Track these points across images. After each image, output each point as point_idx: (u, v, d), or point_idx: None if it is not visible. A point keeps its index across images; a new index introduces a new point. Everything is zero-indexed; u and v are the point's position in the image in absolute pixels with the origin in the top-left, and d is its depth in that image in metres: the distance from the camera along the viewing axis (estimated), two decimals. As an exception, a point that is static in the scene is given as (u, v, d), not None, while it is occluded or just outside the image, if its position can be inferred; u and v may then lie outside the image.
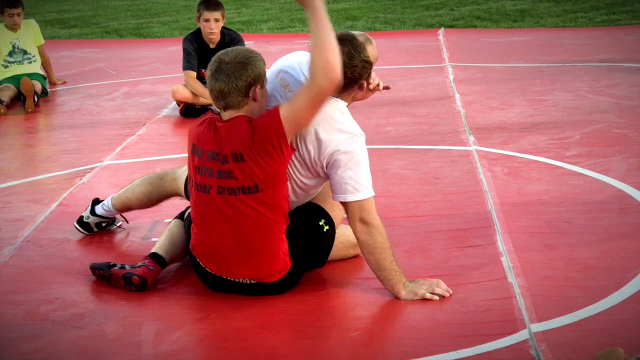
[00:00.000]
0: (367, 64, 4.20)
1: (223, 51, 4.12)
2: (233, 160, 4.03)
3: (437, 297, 4.10)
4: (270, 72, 4.30)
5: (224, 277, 4.19)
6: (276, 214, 4.10)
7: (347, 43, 4.14)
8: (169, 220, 4.80)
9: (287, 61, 4.36)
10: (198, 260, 4.23)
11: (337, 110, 4.14)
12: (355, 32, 4.27)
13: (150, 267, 4.33)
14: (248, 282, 4.17)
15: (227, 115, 4.09)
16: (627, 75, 8.87)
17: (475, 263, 4.47)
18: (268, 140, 3.98)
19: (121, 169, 6.36)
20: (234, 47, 4.20)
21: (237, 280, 4.18)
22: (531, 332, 3.73)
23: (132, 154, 6.74)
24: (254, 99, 4.05)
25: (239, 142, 4.03)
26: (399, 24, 13.24)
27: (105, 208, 5.01)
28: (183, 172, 4.72)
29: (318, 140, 4.07)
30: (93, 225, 5.06)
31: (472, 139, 6.73)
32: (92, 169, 6.34)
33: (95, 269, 4.42)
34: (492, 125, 7.15)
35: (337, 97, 4.17)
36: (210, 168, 4.09)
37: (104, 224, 5.09)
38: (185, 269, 4.54)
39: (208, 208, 4.12)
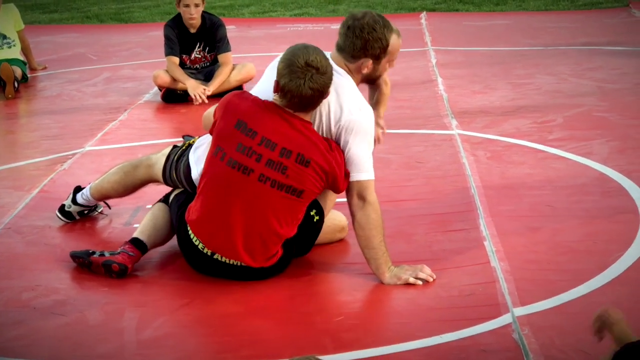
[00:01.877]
0: (384, 46, 4.24)
1: (308, 54, 4.02)
2: (296, 160, 4.02)
3: (420, 282, 4.10)
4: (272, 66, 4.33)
5: (216, 256, 4.16)
6: (295, 218, 4.15)
7: (382, 19, 4.28)
8: (150, 206, 4.78)
9: None
10: (193, 236, 4.19)
11: (352, 85, 4.23)
12: (393, 26, 4.34)
13: (130, 253, 4.31)
14: (238, 264, 4.16)
15: (298, 113, 4.08)
16: (608, 59, 8.88)
17: (459, 247, 4.48)
18: (331, 176, 4.09)
19: (103, 155, 6.33)
20: (310, 48, 4.07)
21: (228, 261, 4.15)
22: (514, 316, 3.73)
23: (113, 140, 6.71)
24: (326, 97, 4.11)
25: (313, 149, 4.04)
26: (381, 8, 13.20)
27: (85, 197, 4.99)
28: (159, 157, 4.68)
29: (336, 106, 4.14)
30: (75, 214, 5.03)
31: (454, 122, 6.73)
32: (73, 155, 6.30)
33: (75, 257, 4.40)
34: (474, 109, 7.15)
35: (348, 73, 4.25)
36: (260, 153, 4.04)
37: (85, 212, 5.06)
38: (168, 255, 4.52)
39: (236, 187, 4.07)
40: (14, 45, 8.99)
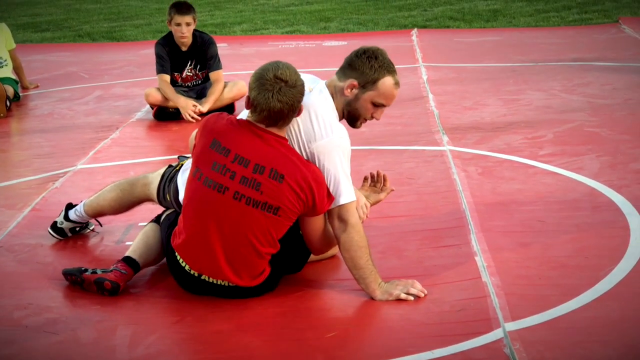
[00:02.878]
0: (375, 75, 4.16)
1: (278, 68, 4.03)
2: (270, 175, 4.00)
3: (412, 298, 4.10)
4: None
5: (203, 277, 4.17)
6: (277, 237, 4.12)
7: (389, 61, 4.22)
8: (144, 223, 4.78)
9: None
10: (180, 258, 4.19)
11: (328, 106, 4.17)
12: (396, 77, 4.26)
13: (122, 271, 4.31)
14: (226, 284, 4.16)
15: (270, 129, 4.06)
16: (599, 74, 8.92)
17: (450, 263, 4.48)
18: (310, 196, 4.05)
19: (95, 173, 6.33)
20: (280, 63, 4.07)
21: (216, 282, 4.16)
22: (505, 331, 3.74)
23: (105, 158, 6.71)
24: (298, 114, 4.08)
25: (287, 163, 4.01)
26: (372, 25, 13.26)
27: (78, 214, 4.99)
28: (155, 177, 4.69)
29: (309, 127, 4.10)
30: (67, 231, 5.04)
31: (445, 139, 6.75)
32: (65, 173, 6.30)
33: (68, 274, 4.40)
34: (465, 125, 7.17)
35: (333, 92, 4.21)
36: (233, 171, 4.03)
37: (77, 229, 5.07)
38: (159, 273, 4.52)
39: (213, 206, 4.06)
40: (6, 65, 9.01)
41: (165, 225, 4.41)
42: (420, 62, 10.00)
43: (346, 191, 4.12)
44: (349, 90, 4.18)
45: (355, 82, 4.17)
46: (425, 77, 9.09)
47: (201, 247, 4.11)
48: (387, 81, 4.18)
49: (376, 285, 4.13)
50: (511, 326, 3.78)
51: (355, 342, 3.87)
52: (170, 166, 4.69)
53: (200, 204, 4.10)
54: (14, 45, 9.23)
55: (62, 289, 4.39)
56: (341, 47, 11.45)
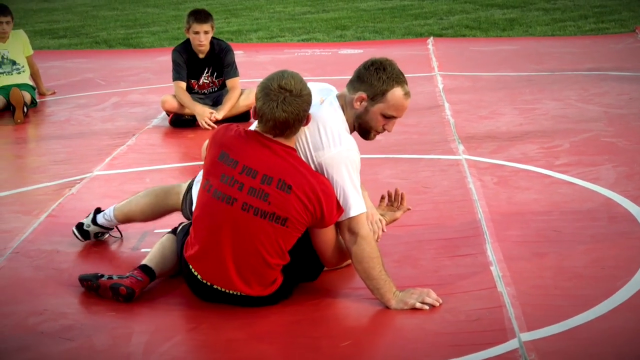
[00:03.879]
0: (384, 87, 4.16)
1: (282, 78, 4.00)
2: (277, 186, 3.99)
3: (427, 307, 4.10)
4: None
5: (216, 287, 4.17)
6: (286, 248, 4.11)
7: (400, 72, 4.22)
8: (159, 231, 4.80)
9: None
10: (193, 268, 4.20)
11: (337, 118, 4.16)
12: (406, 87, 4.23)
13: (138, 278, 4.31)
14: (238, 293, 4.16)
15: (278, 138, 4.05)
16: (615, 84, 8.89)
17: (465, 272, 4.47)
18: (319, 211, 4.05)
19: (111, 180, 6.35)
20: (285, 72, 4.05)
21: (228, 291, 4.16)
22: (521, 341, 3.73)
23: (121, 165, 6.73)
24: (305, 124, 4.07)
25: (295, 174, 4.00)
26: (388, 33, 13.27)
27: (107, 218, 4.99)
28: (185, 186, 4.70)
29: (317, 139, 4.09)
30: (92, 234, 5.04)
31: (461, 148, 6.74)
32: (81, 179, 6.32)
33: (84, 280, 4.41)
34: (481, 134, 7.16)
35: (343, 104, 4.19)
36: (241, 182, 4.03)
37: (101, 234, 5.07)
38: (174, 280, 4.53)
39: (222, 218, 4.06)
40: (23, 71, 9.05)
41: (181, 236, 4.42)
42: (436, 70, 9.99)
43: (355, 203, 4.10)
44: (358, 103, 4.17)
45: (364, 95, 4.16)
46: (441, 86, 9.09)
47: (212, 258, 4.12)
48: (396, 92, 4.17)
49: (391, 294, 4.12)
50: (527, 336, 3.77)
51: (370, 351, 3.86)
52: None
53: (210, 215, 4.10)
54: (31, 52, 9.28)
55: (78, 295, 4.40)
56: (357, 55, 11.45)
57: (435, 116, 7.84)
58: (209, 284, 4.17)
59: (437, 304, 4.11)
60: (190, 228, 4.25)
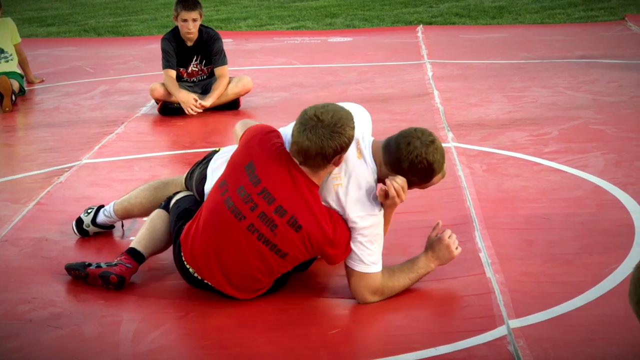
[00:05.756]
0: (428, 178, 4.09)
1: (322, 108, 3.90)
2: (288, 222, 3.94)
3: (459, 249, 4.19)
4: None
5: (206, 282, 4.15)
6: (280, 272, 4.09)
7: (431, 157, 4.03)
8: (147, 218, 4.79)
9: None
10: (186, 263, 4.15)
11: (369, 179, 4.06)
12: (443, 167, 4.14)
13: (127, 265, 4.30)
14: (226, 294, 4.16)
15: (303, 168, 3.97)
16: (605, 72, 8.90)
17: (454, 259, 4.47)
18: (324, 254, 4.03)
19: (99, 168, 6.34)
20: (333, 105, 3.94)
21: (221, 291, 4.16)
22: (510, 328, 3.74)
23: (110, 153, 6.72)
24: (335, 165, 3.97)
25: (309, 217, 3.94)
26: (378, 21, 13.25)
27: (107, 214, 4.94)
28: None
29: (343, 192, 4.02)
30: (91, 233, 5.01)
31: (450, 135, 6.74)
32: (70, 167, 6.31)
33: (71, 269, 4.39)
34: (470, 122, 7.16)
35: (380, 170, 4.08)
36: (256, 203, 3.96)
37: (99, 233, 5.03)
38: (164, 267, 4.53)
39: (227, 229, 4.01)
40: (12, 59, 9.01)
41: (174, 214, 4.36)
42: (425, 58, 9.98)
43: (374, 262, 4.05)
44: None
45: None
46: (430, 74, 9.08)
47: (207, 259, 4.08)
48: (435, 180, 4.12)
49: (428, 268, 4.16)
50: (515, 323, 3.78)
51: (359, 338, 3.87)
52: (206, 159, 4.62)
53: (217, 220, 4.04)
54: (19, 40, 9.24)
55: (67, 283, 4.39)
56: (346, 43, 11.44)
57: (425, 104, 7.84)
58: (199, 278, 4.16)
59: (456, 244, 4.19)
60: (196, 218, 4.17)
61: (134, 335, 3.85)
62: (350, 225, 4.02)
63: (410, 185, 4.09)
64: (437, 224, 4.24)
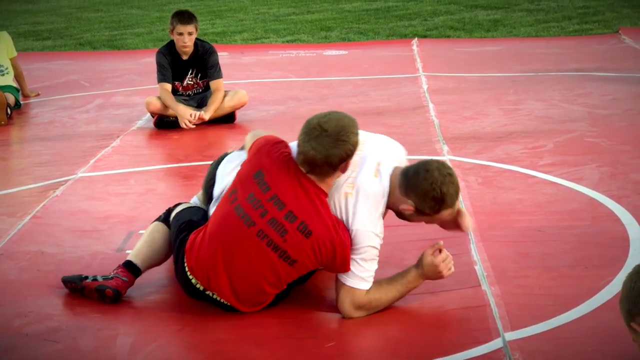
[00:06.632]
0: (431, 211, 4.08)
1: (325, 117, 3.97)
2: (298, 227, 3.96)
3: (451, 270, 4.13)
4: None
5: (208, 293, 4.14)
6: (287, 282, 4.09)
7: (447, 189, 4.00)
8: (143, 231, 4.79)
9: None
10: (188, 270, 4.14)
11: (377, 198, 4.07)
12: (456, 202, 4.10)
13: (123, 279, 4.30)
14: (229, 304, 4.15)
15: (311, 176, 4.01)
16: (599, 84, 8.93)
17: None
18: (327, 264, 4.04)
19: (95, 182, 6.34)
20: (335, 113, 4.01)
21: (219, 299, 4.14)
22: (505, 341, 3.75)
23: (106, 166, 6.72)
24: (342, 171, 4.02)
25: (319, 222, 3.95)
26: (373, 34, 13.28)
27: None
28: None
29: (351, 210, 4.03)
30: None
31: (446, 148, 6.76)
32: (65, 181, 6.31)
33: (67, 282, 4.38)
34: (466, 135, 7.18)
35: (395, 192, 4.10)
36: (266, 209, 3.98)
37: None
38: (160, 280, 4.53)
39: (236, 236, 4.02)
40: (7, 73, 9.02)
41: (176, 226, 4.34)
42: (420, 71, 10.01)
43: (364, 278, 4.04)
44: (404, 206, 4.09)
45: (412, 208, 4.07)
46: (425, 87, 9.10)
47: (212, 267, 4.07)
48: (444, 214, 4.09)
49: (417, 282, 4.14)
50: (511, 336, 3.79)
51: (355, 351, 3.88)
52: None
53: (228, 229, 4.04)
54: (15, 54, 9.25)
55: (63, 297, 4.39)
56: (342, 56, 11.47)
57: (420, 117, 7.86)
58: (201, 289, 4.15)
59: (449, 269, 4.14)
60: (199, 233, 4.16)
61: (131, 349, 3.85)
62: (352, 236, 4.03)
63: (420, 214, 4.09)
64: (438, 243, 4.20)
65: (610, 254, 4.66)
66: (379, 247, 4.07)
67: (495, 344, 3.74)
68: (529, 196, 5.64)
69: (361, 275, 4.04)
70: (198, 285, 4.14)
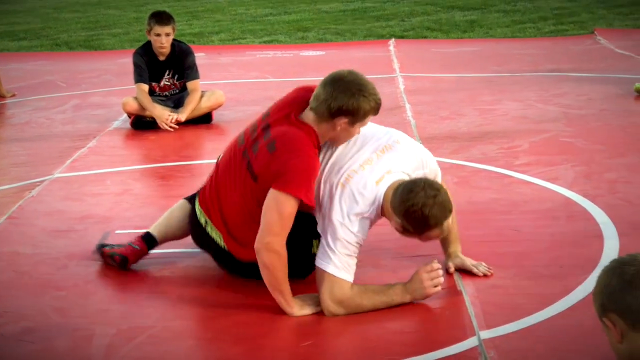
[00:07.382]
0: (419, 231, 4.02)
1: (351, 72, 4.11)
2: (267, 143, 4.08)
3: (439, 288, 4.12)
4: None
5: (208, 229, 4.29)
6: (259, 205, 4.06)
7: (432, 190, 3.94)
8: (120, 232, 4.80)
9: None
10: (198, 206, 4.36)
11: (368, 200, 4.06)
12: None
13: (135, 247, 4.53)
14: (224, 246, 4.27)
15: (309, 110, 4.11)
16: (574, 85, 8.98)
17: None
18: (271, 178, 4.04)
19: (71, 182, 6.32)
20: (361, 75, 4.15)
21: (215, 240, 4.27)
22: (480, 339, 3.77)
23: (82, 167, 6.70)
24: (334, 128, 4.07)
25: (288, 145, 4.04)
26: (350, 35, 13.30)
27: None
28: None
29: (334, 202, 4.05)
30: None
31: (422, 148, 6.77)
32: (41, 182, 6.29)
33: (96, 250, 4.70)
34: (442, 135, 7.21)
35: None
36: (257, 133, 4.20)
37: None
38: (137, 282, 4.53)
39: (230, 158, 4.27)
40: (-17, 73, 8.99)
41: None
42: (397, 72, 10.04)
43: (340, 267, 4.03)
44: (393, 223, 4.07)
45: (399, 226, 4.04)
46: (402, 87, 9.13)
47: (212, 194, 4.30)
48: (431, 234, 4.04)
49: (403, 298, 4.10)
50: (486, 334, 3.81)
51: (331, 350, 3.88)
52: None
53: (227, 155, 4.32)
54: (-10, 54, 9.22)
55: (39, 297, 4.38)
56: (319, 56, 11.48)
57: (397, 117, 7.88)
58: (203, 224, 4.30)
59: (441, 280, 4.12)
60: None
61: (107, 350, 3.84)
62: (327, 224, 4.04)
63: (407, 232, 4.04)
64: (433, 261, 4.17)
65: (585, 253, 4.69)
66: (355, 244, 4.06)
67: (470, 342, 3.76)
68: (505, 196, 5.67)
69: (336, 262, 4.00)
70: (202, 219, 4.31)
